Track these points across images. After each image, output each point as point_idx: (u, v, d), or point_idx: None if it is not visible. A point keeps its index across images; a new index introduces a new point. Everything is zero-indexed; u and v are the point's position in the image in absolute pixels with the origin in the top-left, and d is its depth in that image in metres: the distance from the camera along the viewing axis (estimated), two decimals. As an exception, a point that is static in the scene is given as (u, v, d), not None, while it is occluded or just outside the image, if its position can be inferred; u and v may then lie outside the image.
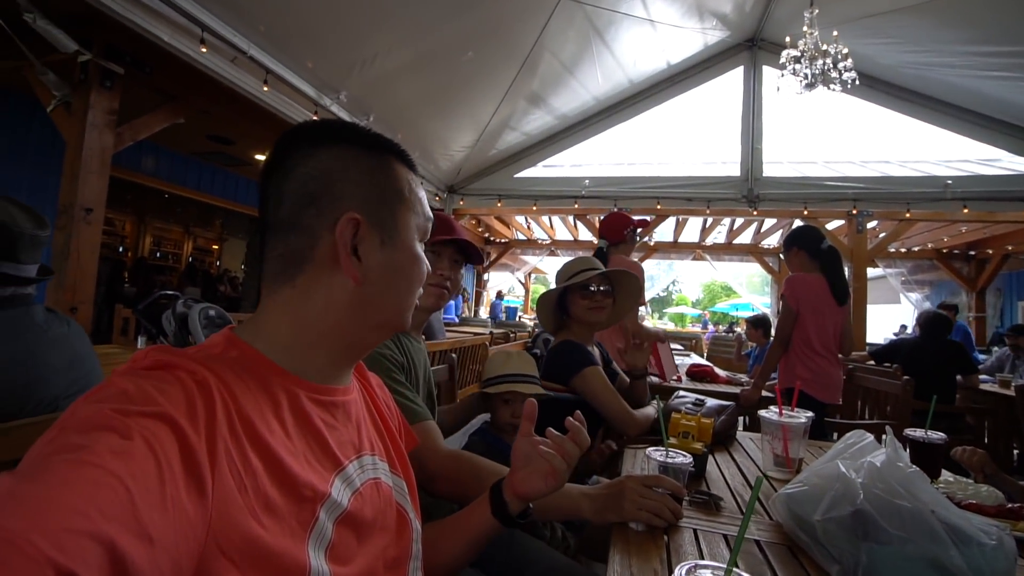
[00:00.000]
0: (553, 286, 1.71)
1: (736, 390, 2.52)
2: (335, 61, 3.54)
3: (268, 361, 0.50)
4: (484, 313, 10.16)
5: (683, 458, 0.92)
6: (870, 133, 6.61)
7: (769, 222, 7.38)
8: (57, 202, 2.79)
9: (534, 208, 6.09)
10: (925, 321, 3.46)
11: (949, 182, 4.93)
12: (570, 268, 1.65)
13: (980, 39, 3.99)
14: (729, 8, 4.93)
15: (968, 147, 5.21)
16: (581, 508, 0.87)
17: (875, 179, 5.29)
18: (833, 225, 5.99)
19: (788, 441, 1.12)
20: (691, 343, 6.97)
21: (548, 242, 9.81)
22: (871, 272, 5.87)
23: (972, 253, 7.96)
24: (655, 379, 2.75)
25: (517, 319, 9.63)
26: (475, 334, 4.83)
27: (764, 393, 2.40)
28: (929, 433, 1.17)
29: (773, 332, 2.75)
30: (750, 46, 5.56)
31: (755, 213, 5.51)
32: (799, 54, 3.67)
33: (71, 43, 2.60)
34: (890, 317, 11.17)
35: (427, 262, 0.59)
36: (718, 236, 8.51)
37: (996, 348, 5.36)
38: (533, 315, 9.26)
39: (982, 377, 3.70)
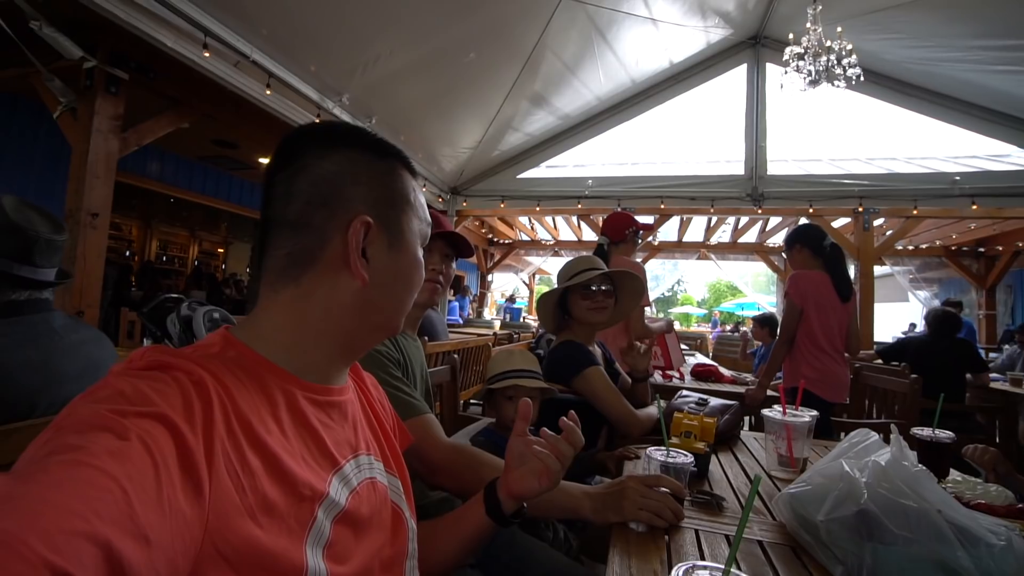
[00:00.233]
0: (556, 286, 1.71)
1: (741, 389, 2.50)
2: (337, 64, 3.55)
3: (266, 361, 0.50)
4: (487, 314, 10.17)
5: (684, 458, 0.91)
6: (876, 130, 6.57)
7: (774, 221, 7.33)
8: (64, 207, 2.82)
9: (537, 209, 6.08)
10: (934, 319, 3.42)
11: (957, 178, 4.87)
12: (571, 268, 1.65)
13: (988, 33, 3.94)
14: (732, 6, 4.90)
15: (977, 143, 5.16)
16: (582, 507, 0.87)
17: (881, 176, 5.24)
18: (839, 223, 5.94)
19: (792, 440, 1.10)
20: (696, 343, 6.93)
21: (552, 243, 9.79)
22: (878, 270, 5.81)
23: (982, 250, 7.87)
24: (659, 378, 2.74)
25: (522, 320, 9.62)
26: (479, 335, 4.83)
27: (769, 392, 2.38)
28: (937, 432, 1.15)
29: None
30: (753, 44, 5.53)
31: (760, 212, 5.48)
32: (802, 51, 3.64)
33: (76, 50, 2.63)
34: (898, 315, 11.06)
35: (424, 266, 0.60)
36: (723, 235, 8.46)
37: (1007, 346, 5.29)
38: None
39: (993, 375, 3.65)
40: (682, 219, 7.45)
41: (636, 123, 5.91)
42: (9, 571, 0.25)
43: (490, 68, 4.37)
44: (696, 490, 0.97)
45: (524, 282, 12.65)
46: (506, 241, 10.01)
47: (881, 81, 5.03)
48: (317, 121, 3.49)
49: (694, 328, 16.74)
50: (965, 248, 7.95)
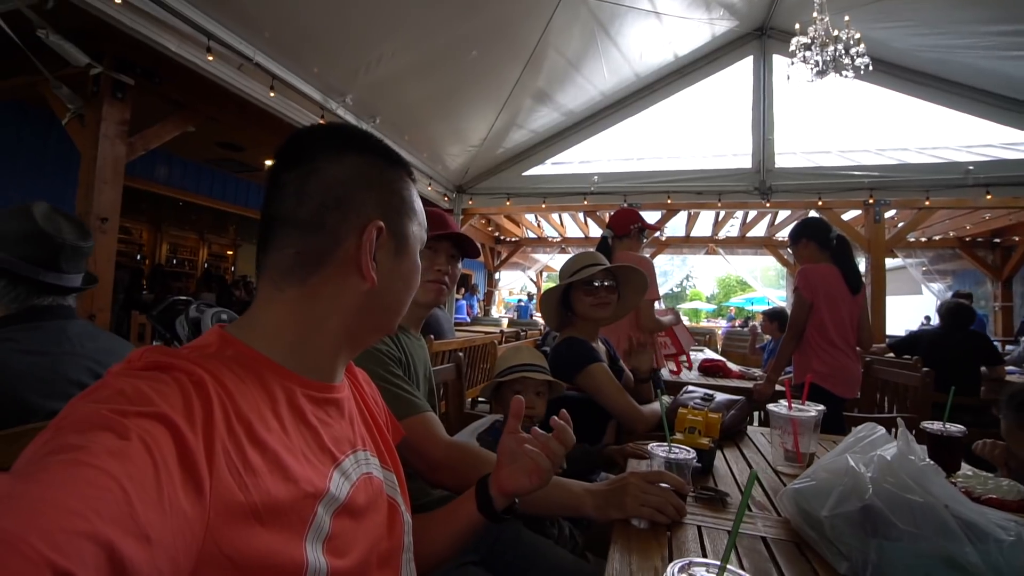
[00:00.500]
0: None
1: (749, 384, 2.48)
2: (340, 65, 3.56)
3: (264, 358, 0.50)
4: (495, 312, 10.17)
5: (686, 453, 0.90)
6: (886, 120, 6.50)
7: (783, 214, 7.24)
8: (74, 212, 2.86)
9: (543, 206, 6.07)
10: (947, 311, 3.35)
11: (971, 167, 4.76)
12: (574, 264, 1.64)
13: (1000, 18, 3.85)
14: (737, -3, 4.84)
15: (991, 131, 5.04)
16: (583, 504, 0.86)
17: (892, 167, 5.15)
18: (849, 215, 5.85)
19: (798, 435, 1.09)
20: (705, 338, 6.88)
21: (559, 239, 9.77)
22: (890, 262, 5.72)
23: (997, 241, 7.72)
24: (667, 374, 2.72)
25: (530, 317, 9.62)
26: (485, 333, 4.83)
27: (778, 387, 2.35)
28: (948, 426, 1.13)
29: None
30: (759, 35, 5.46)
31: (768, 205, 5.41)
32: (809, 41, 3.58)
33: (83, 56, 2.66)
34: (912, 308, 10.89)
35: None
36: (731, 229, 8.39)
37: (1024, 338, 5.19)
38: (545, 313, 9.22)
39: (1009, 368, 3.58)
40: (689, 214, 7.40)
41: (641, 118, 5.86)
42: (11, 570, 0.26)
43: (493, 66, 4.36)
44: (700, 486, 0.96)
45: (531, 279, 12.65)
46: (513, 239, 10.00)
47: (890, 70, 4.93)
48: (322, 122, 3.51)
49: (703, 324, 16.62)
50: (980, 239, 7.80)
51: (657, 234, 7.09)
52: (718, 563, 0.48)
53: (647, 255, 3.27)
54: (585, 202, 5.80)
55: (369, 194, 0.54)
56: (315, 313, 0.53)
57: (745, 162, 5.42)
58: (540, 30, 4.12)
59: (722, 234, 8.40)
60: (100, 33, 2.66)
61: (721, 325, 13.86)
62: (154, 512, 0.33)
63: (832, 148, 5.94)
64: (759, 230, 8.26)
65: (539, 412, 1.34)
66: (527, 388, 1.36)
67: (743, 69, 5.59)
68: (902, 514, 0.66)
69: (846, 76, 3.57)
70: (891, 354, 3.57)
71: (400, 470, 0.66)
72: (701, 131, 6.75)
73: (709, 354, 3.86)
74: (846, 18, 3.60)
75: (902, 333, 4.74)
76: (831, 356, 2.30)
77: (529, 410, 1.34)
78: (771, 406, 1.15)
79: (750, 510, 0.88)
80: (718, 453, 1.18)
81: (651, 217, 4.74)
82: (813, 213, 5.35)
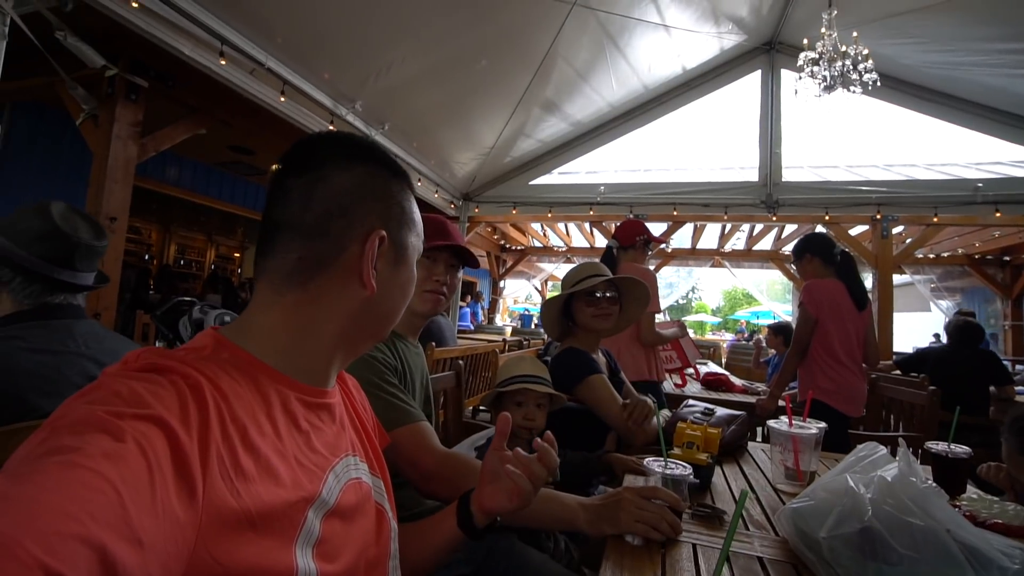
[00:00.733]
0: None
1: (752, 399, 2.45)
2: (351, 71, 3.60)
3: (259, 362, 0.50)
4: (499, 320, 10.15)
5: (682, 469, 0.89)
6: (894, 136, 6.43)
7: (790, 228, 7.21)
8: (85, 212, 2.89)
9: (549, 215, 6.07)
10: (955, 329, 3.31)
11: (980, 185, 4.73)
12: (576, 274, 1.63)
13: (1009, 36, 3.84)
14: (745, 11, 4.86)
15: (1000, 148, 5.00)
16: (577, 517, 0.85)
17: (900, 183, 5.12)
18: (857, 230, 5.81)
19: (799, 453, 1.07)
20: (710, 351, 6.83)
21: (564, 249, 9.77)
22: (898, 279, 5.66)
23: (1007, 259, 7.63)
24: (669, 387, 2.69)
25: (533, 326, 9.59)
26: (488, 341, 4.82)
27: (781, 403, 2.32)
28: (953, 446, 1.10)
29: None
30: (768, 49, 5.47)
31: (774, 219, 5.39)
32: (817, 56, 3.59)
33: (99, 58, 2.71)
34: (921, 325, 10.76)
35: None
36: (737, 243, 8.35)
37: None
38: (549, 322, 9.19)
39: (1019, 388, 3.52)
40: (695, 226, 7.38)
41: (649, 129, 5.87)
42: (4, 573, 0.26)
43: (502, 75, 4.39)
44: (697, 503, 0.95)
45: (536, 288, 12.63)
46: (518, 247, 10.01)
47: (899, 86, 4.92)
48: (332, 129, 3.55)
49: (708, 336, 16.51)
50: (989, 256, 7.72)
51: (663, 246, 7.08)
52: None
53: (652, 267, 3.26)
54: (591, 212, 5.80)
55: (374, 204, 0.55)
56: (313, 318, 0.53)
57: (752, 175, 5.41)
58: (550, 40, 4.15)
59: (728, 247, 8.37)
60: (116, 36, 2.71)
61: (727, 338, 13.76)
62: (147, 516, 0.33)
63: (840, 163, 5.92)
64: (765, 243, 8.22)
65: (539, 424, 1.33)
66: (528, 399, 1.35)
67: (751, 83, 5.60)
68: (902, 537, 0.64)
69: (854, 91, 3.57)
70: (898, 371, 3.52)
71: (387, 476, 0.66)
72: (708, 144, 6.75)
73: (713, 367, 3.83)
74: (854, 34, 3.60)
75: (910, 350, 4.68)
76: (836, 373, 2.27)
77: (529, 422, 1.33)
78: (772, 422, 1.13)
79: (746, 528, 0.87)
80: (717, 469, 1.17)
81: (657, 228, 4.74)
82: (820, 228, 5.32)
